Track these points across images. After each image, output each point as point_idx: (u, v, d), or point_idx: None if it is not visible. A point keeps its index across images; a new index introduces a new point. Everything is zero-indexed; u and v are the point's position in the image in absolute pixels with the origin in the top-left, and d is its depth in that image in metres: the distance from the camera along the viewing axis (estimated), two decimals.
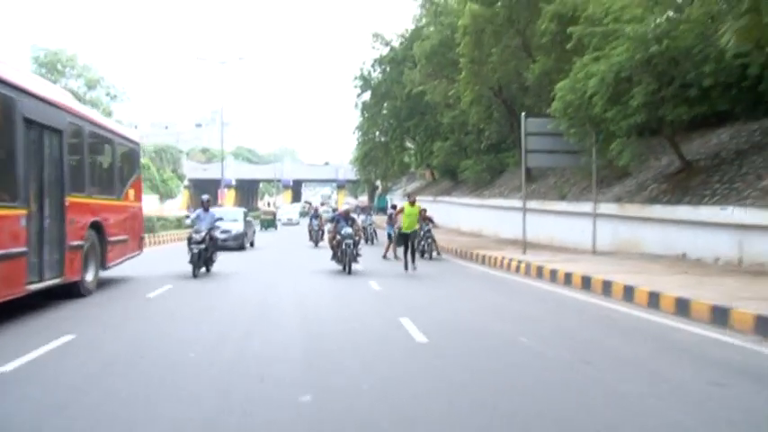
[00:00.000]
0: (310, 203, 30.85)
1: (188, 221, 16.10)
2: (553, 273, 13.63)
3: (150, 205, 55.03)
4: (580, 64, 16.86)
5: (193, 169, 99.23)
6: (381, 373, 6.02)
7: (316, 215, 28.98)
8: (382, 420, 4.62)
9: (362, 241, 18.76)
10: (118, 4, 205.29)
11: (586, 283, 11.99)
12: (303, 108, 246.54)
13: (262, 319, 9.24)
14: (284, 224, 53.45)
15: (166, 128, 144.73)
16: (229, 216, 25.27)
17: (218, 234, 20.69)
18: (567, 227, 21.32)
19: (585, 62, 16.69)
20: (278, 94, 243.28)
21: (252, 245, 27.26)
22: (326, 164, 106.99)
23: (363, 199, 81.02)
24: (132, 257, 14.54)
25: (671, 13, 16.38)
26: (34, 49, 62.46)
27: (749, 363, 6.41)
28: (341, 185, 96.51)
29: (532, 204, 24.38)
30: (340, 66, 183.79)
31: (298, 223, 52.94)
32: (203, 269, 14.82)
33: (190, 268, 14.43)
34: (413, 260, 16.05)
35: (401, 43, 43.79)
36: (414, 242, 16.39)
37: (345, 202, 66.44)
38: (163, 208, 69.75)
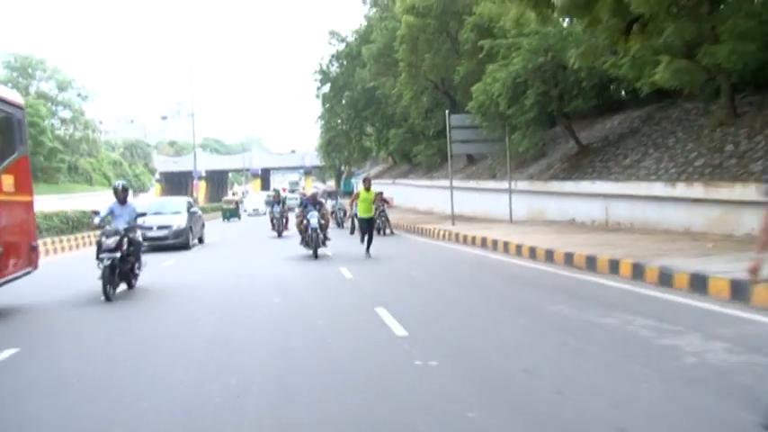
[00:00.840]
0: (278, 191, 28.17)
1: (97, 220, 11.37)
2: (464, 237, 17.85)
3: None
4: (490, 70, 20.98)
5: (164, 163, 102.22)
6: (320, 290, 10.37)
7: (278, 201, 26.35)
8: (314, 304, 8.85)
9: (333, 224, 20.40)
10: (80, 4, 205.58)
11: (483, 242, 16.24)
12: (268, 97, 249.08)
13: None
14: (250, 215, 50.63)
15: (132, 122, 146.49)
16: (169, 208, 22.10)
17: (153, 232, 18.34)
18: (494, 201, 25.43)
19: (493, 69, 20.80)
20: (242, 83, 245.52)
21: (201, 241, 23.05)
22: (293, 152, 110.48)
23: (331, 184, 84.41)
24: (17, 278, 9.83)
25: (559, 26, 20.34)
26: (5, 54, 65.21)
27: (541, 278, 10.63)
28: (308, 172, 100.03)
29: (470, 184, 28.74)
30: (302, 55, 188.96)
31: (264, 213, 45.88)
32: (122, 286, 10.93)
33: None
34: (368, 246, 15.36)
35: (355, 39, 47.51)
36: (371, 228, 15.83)
37: (313, 186, 69.52)
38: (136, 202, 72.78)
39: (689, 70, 11.64)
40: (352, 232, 18.59)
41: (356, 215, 19.53)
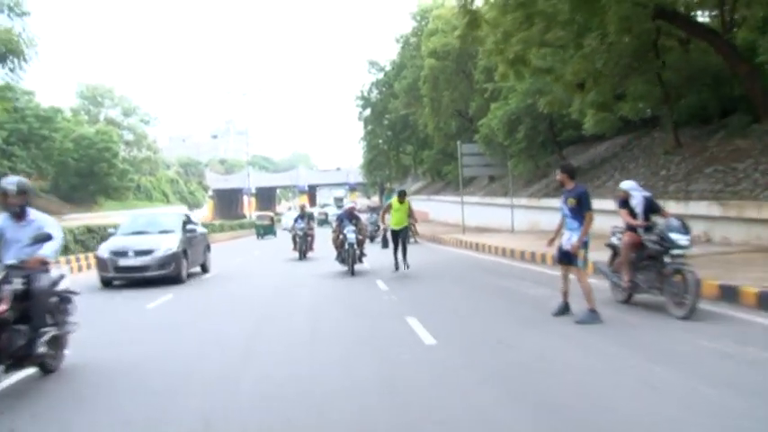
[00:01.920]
0: (304, 205, 24.71)
1: None
2: (465, 243, 22.65)
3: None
4: (493, 107, 25.77)
5: (215, 180, 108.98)
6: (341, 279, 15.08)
7: (302, 215, 22.31)
8: (334, 290, 13.60)
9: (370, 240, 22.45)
10: (137, 33, 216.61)
11: (475, 246, 21.07)
12: (314, 115, 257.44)
13: None
14: (290, 232, 44.99)
15: (184, 141, 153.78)
16: (156, 226, 16.63)
17: (127, 259, 14.26)
18: (503, 215, 30.04)
19: (496, 106, 25.59)
20: (289, 102, 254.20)
21: (204, 269, 17.69)
22: (338, 169, 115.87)
23: (375, 199, 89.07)
24: None
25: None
26: (79, 85, 72.87)
27: (491, 265, 15.31)
28: (352, 188, 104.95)
29: (486, 200, 33.43)
30: (346, 75, 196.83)
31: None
32: (21, 371, 5.96)
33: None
34: (404, 258, 15.06)
35: (392, 68, 52.60)
36: (404, 240, 15.36)
37: (351, 201, 73.62)
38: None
39: (608, 120, 16.32)
40: (384, 246, 16.62)
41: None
